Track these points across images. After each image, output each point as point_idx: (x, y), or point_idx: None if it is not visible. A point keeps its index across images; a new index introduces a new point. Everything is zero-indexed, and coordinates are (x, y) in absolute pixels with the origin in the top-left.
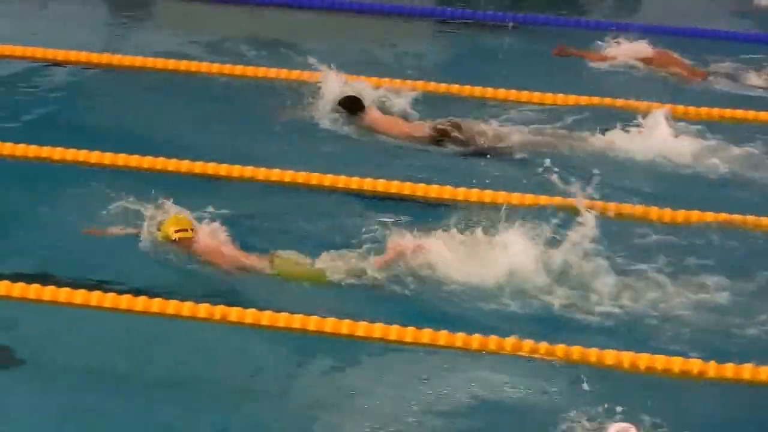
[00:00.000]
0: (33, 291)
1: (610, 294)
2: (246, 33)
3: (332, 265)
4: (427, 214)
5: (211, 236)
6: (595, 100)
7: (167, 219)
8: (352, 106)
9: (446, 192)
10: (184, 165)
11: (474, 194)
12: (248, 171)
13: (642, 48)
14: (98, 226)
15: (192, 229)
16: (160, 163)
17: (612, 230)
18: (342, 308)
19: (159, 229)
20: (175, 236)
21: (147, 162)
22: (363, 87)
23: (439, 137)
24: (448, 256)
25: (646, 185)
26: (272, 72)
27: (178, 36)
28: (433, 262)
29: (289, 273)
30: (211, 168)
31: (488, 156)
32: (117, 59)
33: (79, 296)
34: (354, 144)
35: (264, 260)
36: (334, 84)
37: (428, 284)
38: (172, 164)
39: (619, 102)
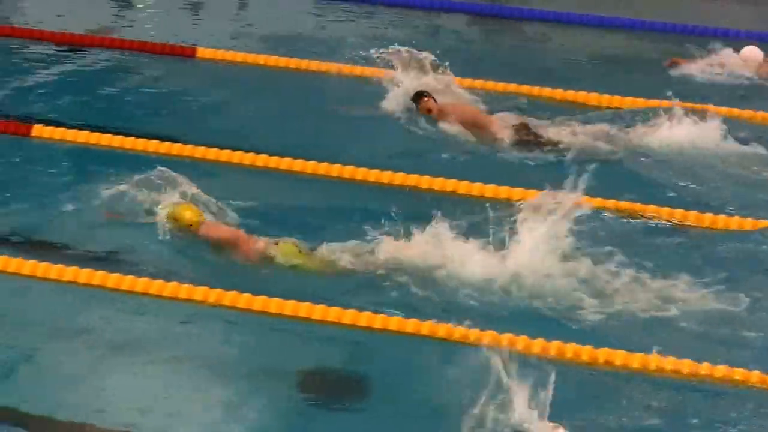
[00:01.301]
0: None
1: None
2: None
3: (337, 255)
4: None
5: (220, 222)
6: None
7: (178, 206)
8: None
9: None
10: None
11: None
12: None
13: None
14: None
15: (201, 216)
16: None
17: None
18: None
19: (172, 216)
20: (192, 222)
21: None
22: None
23: (519, 137)
24: (466, 251)
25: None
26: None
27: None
28: (445, 257)
29: (291, 259)
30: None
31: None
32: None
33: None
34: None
35: (270, 247)
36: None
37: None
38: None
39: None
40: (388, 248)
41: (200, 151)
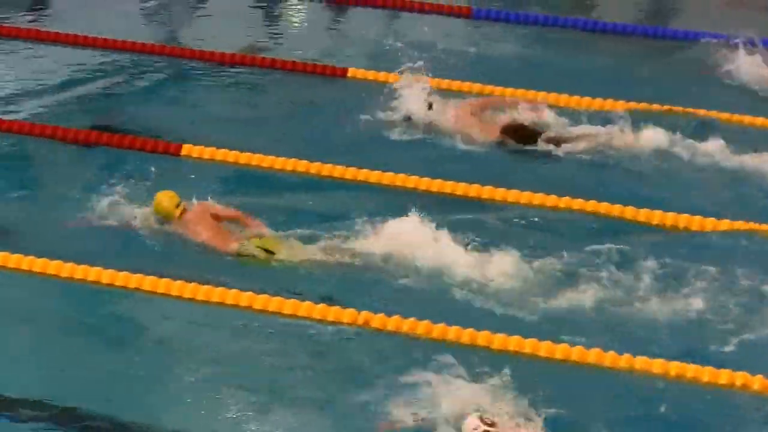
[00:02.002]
0: None
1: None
2: None
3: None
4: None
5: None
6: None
7: (161, 197)
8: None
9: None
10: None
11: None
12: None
13: None
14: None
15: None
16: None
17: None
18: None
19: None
20: (177, 211)
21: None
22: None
23: (507, 136)
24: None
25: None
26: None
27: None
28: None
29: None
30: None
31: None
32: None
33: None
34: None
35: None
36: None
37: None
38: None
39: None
40: (374, 245)
41: (350, 172)
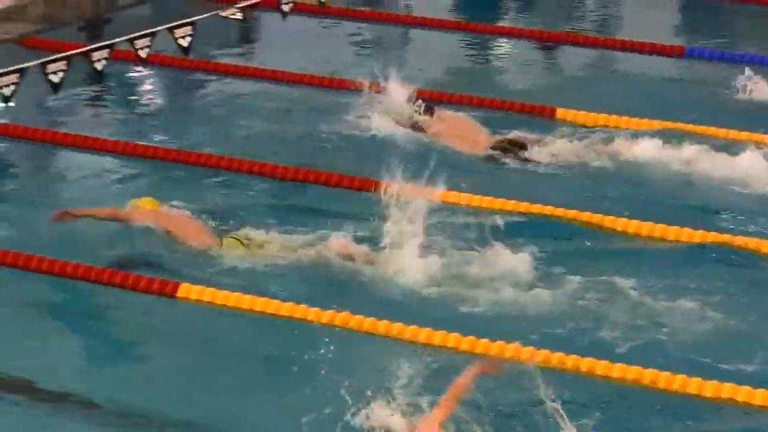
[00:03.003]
0: None
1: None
2: None
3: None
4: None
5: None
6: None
7: (139, 200)
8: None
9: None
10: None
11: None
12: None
13: None
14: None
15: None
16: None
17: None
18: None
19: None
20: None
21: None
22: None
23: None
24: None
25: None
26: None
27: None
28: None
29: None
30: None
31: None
32: None
33: None
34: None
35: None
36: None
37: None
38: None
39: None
40: (346, 249)
41: (548, 211)
